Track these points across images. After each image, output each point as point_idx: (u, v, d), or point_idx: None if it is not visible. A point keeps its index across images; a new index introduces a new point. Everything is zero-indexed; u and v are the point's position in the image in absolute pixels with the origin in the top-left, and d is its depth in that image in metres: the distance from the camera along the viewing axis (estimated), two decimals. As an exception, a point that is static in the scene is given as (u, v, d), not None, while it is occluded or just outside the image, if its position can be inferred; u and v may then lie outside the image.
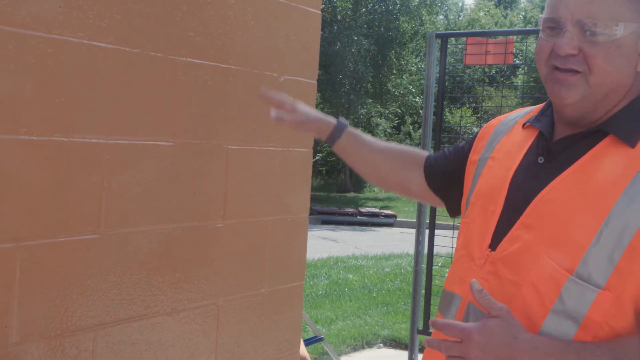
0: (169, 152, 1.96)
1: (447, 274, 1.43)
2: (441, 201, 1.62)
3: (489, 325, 1.11)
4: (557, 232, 1.15)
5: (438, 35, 4.20)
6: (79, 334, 1.76)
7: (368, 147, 1.65)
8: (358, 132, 1.66)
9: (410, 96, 22.94)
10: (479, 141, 1.47)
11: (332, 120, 1.67)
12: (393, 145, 1.70)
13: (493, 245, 1.25)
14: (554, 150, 1.25)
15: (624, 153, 1.15)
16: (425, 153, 1.68)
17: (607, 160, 1.16)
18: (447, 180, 1.56)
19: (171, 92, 1.95)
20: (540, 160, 1.25)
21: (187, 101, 2.00)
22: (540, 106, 1.39)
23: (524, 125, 1.36)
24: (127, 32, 1.81)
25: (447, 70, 4.07)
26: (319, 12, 2.42)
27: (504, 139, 1.39)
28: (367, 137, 1.67)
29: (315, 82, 2.44)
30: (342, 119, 1.65)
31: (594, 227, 1.11)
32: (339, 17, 21.64)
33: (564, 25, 1.16)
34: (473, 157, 1.46)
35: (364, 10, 22.07)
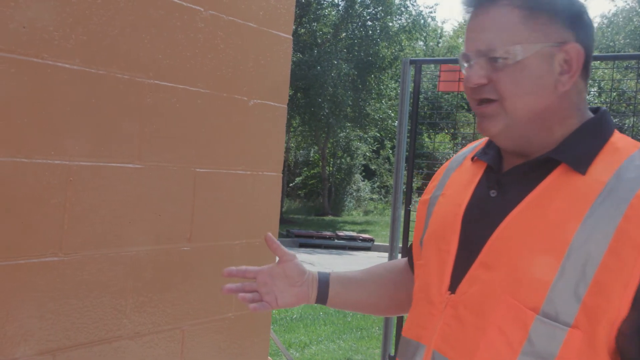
0: (135, 174, 1.95)
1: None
2: None
3: None
4: (517, 270, 1.10)
5: (412, 62, 4.24)
6: (37, 358, 1.72)
7: (361, 290, 1.48)
8: (341, 278, 1.45)
9: (390, 121, 23.10)
10: (431, 183, 1.44)
11: (310, 286, 1.43)
12: (375, 271, 1.54)
13: (452, 287, 1.19)
14: (505, 182, 1.21)
15: (577, 182, 1.12)
16: (401, 261, 1.57)
17: (560, 191, 1.12)
18: None
19: (138, 114, 1.94)
20: (493, 193, 1.21)
21: (155, 123, 1.99)
22: (487, 139, 1.35)
23: (472, 159, 1.33)
24: (93, 54, 1.80)
25: (426, 96, 4.09)
26: (290, 36, 2.44)
27: (453, 175, 1.36)
28: (352, 278, 1.48)
29: (286, 106, 2.45)
30: (322, 275, 1.44)
31: (555, 262, 1.06)
32: (319, 41, 21.81)
33: (470, 58, 1.18)
34: (424, 197, 1.42)
35: (344, 34, 22.27)
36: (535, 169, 1.18)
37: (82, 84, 1.79)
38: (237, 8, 2.23)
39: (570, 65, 1.16)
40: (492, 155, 1.27)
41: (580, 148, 1.16)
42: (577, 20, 1.17)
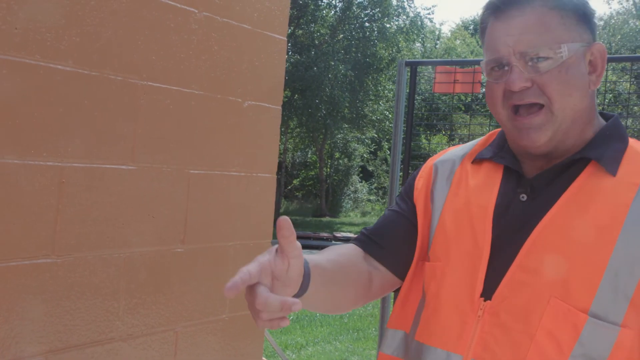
0: (128, 175, 1.94)
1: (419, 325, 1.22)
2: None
3: None
4: (562, 272, 1.07)
5: (407, 63, 4.24)
6: (29, 360, 1.72)
7: (327, 290, 1.22)
8: (316, 275, 1.16)
9: (387, 122, 23.12)
10: (419, 180, 1.34)
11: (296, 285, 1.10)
12: (340, 263, 1.28)
13: (486, 294, 1.13)
14: (536, 186, 1.17)
15: (609, 183, 1.11)
16: (356, 250, 1.34)
17: (595, 192, 1.11)
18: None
19: (131, 115, 1.94)
20: (523, 197, 1.17)
21: (148, 125, 1.99)
22: (485, 140, 1.32)
23: (473, 161, 1.28)
24: (86, 55, 1.80)
25: (424, 98, 4.09)
26: (284, 38, 2.44)
27: (458, 171, 1.29)
28: (324, 274, 1.20)
29: (280, 107, 2.45)
30: (306, 271, 1.13)
31: (601, 262, 1.05)
32: (316, 42, 21.81)
33: (509, 62, 1.13)
34: (421, 193, 1.32)
35: (341, 36, 22.29)
36: (564, 170, 1.17)
37: (75, 86, 1.78)
38: (232, 10, 2.23)
39: (594, 65, 1.17)
40: (509, 160, 1.23)
41: (608, 149, 1.15)
42: (592, 22, 1.18)
